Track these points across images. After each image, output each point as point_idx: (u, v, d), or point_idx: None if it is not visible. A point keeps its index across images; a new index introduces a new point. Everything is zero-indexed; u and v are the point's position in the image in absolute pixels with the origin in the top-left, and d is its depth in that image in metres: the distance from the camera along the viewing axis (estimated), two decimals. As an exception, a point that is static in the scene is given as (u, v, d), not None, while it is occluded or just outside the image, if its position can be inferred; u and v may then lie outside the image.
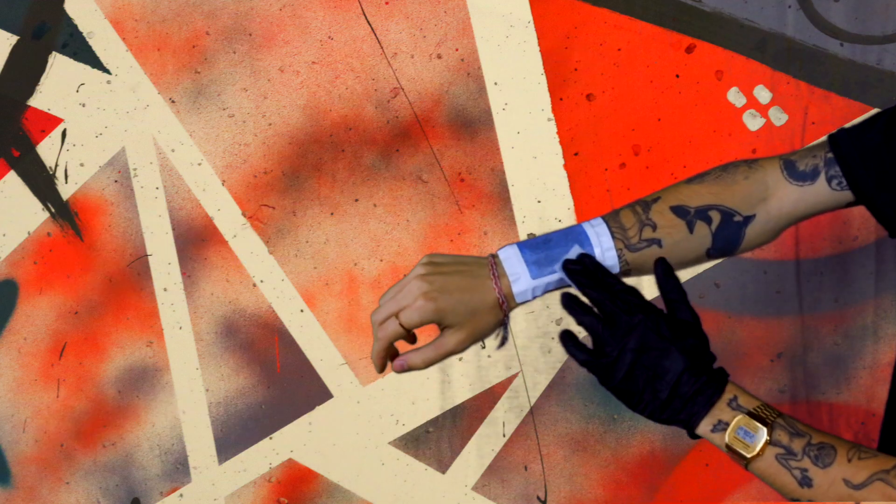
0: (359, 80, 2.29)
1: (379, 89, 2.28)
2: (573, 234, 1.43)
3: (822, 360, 2.19)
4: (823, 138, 1.53)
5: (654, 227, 1.50)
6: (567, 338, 1.41)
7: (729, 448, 1.32)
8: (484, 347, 2.30)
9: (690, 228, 1.50)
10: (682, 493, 2.27)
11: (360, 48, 2.28)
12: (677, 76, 2.19)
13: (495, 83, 2.24)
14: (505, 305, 1.44)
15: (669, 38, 2.17)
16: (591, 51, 2.20)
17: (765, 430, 1.31)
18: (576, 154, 2.23)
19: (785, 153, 1.54)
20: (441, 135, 2.27)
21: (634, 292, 1.39)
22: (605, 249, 1.44)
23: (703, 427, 1.35)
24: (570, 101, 2.22)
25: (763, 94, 2.17)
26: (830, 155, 1.51)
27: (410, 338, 1.47)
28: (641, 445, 2.28)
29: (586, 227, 1.44)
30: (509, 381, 2.30)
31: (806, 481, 1.30)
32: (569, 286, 1.44)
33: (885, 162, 1.47)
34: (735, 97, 2.18)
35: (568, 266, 1.41)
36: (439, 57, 2.25)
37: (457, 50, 2.24)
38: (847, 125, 1.53)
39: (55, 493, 2.49)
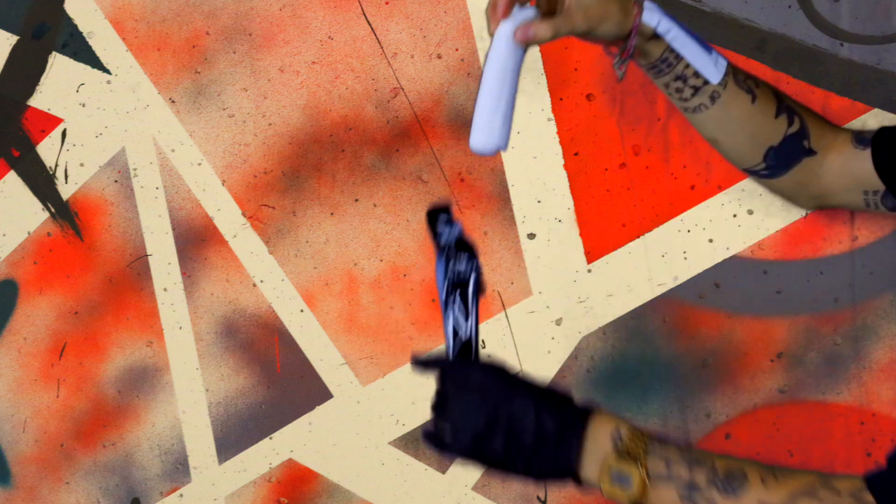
0: (359, 80, 2.29)
1: (379, 89, 2.28)
2: (701, 38, 1.44)
3: (822, 360, 2.19)
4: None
5: (756, 84, 1.49)
6: (425, 437, 1.32)
7: (611, 497, 1.20)
8: (484, 347, 2.30)
9: (776, 113, 1.49)
10: (682, 493, 2.27)
11: (360, 48, 2.28)
12: (677, 76, 2.19)
13: (495, 83, 2.24)
14: (637, 7, 1.38)
15: (669, 38, 2.17)
16: (591, 51, 2.20)
17: (637, 471, 1.18)
18: (576, 154, 2.23)
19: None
20: (441, 135, 2.27)
21: (469, 364, 1.30)
22: (720, 57, 1.43)
23: (589, 470, 1.21)
24: (570, 101, 2.22)
25: (763, 94, 2.17)
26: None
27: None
28: (641, 445, 2.28)
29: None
30: (509, 381, 2.30)
31: None
32: (689, 43, 1.43)
33: None
34: (735, 97, 2.18)
35: (415, 362, 1.36)
36: (439, 57, 2.25)
37: (457, 50, 2.24)
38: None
39: (55, 493, 2.49)
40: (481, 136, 1.36)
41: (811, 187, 1.59)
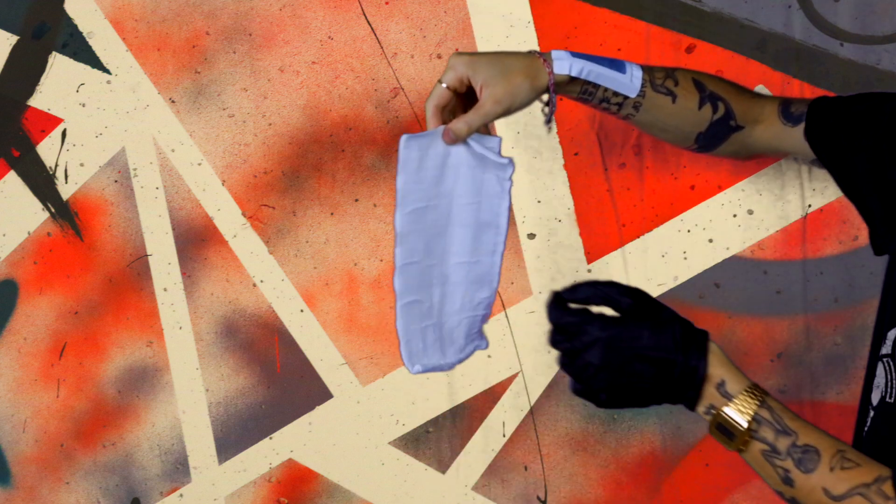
0: (359, 80, 2.29)
1: (379, 89, 2.28)
2: (614, 60, 1.55)
3: (822, 360, 2.20)
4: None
5: (676, 83, 1.61)
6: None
7: (715, 437, 1.34)
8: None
9: (700, 104, 1.62)
10: (682, 493, 2.28)
11: (360, 48, 2.28)
12: (677, 76, 2.20)
13: (495, 83, 2.24)
14: (547, 66, 1.50)
15: (669, 38, 2.17)
16: (591, 51, 2.20)
17: (743, 428, 1.31)
18: (576, 154, 2.23)
19: (787, 97, 1.66)
20: (441, 135, 2.27)
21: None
22: (634, 71, 1.55)
23: (700, 407, 1.34)
24: (571, 100, 2.22)
25: (763, 94, 2.17)
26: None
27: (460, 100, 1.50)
28: (641, 445, 2.28)
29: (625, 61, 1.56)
30: (509, 381, 2.30)
31: (788, 481, 1.31)
32: (603, 72, 1.54)
33: (845, 138, 1.58)
34: (735, 97, 2.18)
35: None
36: (439, 57, 2.25)
37: (457, 50, 2.24)
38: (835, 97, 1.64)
39: (55, 493, 2.49)
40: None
41: (743, 152, 1.73)
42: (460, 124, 1.47)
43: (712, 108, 1.63)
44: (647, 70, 1.59)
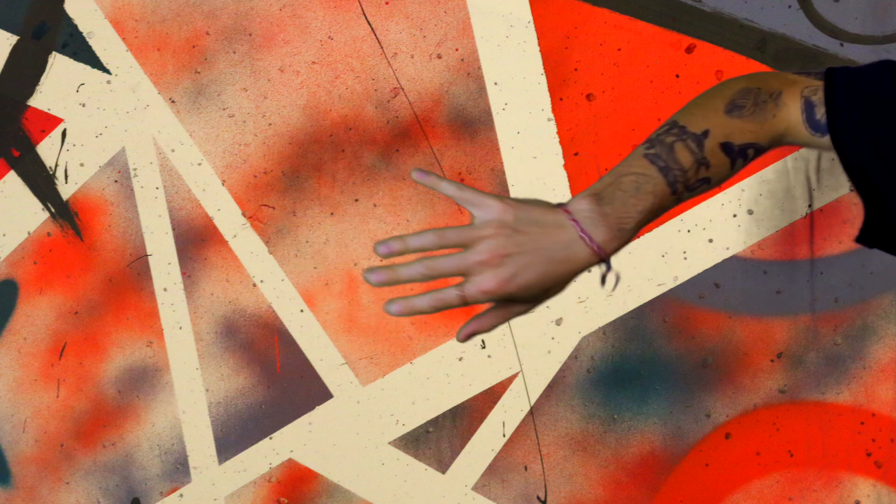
0: (359, 80, 2.29)
1: (379, 89, 2.28)
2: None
3: (822, 360, 2.20)
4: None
5: (708, 167, 1.51)
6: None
7: None
8: (484, 347, 2.30)
9: (732, 166, 1.53)
10: (682, 493, 2.28)
11: (360, 48, 2.28)
12: (677, 76, 2.20)
13: (495, 83, 2.24)
14: (601, 252, 1.41)
15: (669, 38, 2.17)
16: (591, 51, 2.21)
17: None
18: (576, 154, 2.23)
19: (808, 82, 1.52)
20: (441, 135, 2.27)
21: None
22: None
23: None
24: (570, 101, 2.22)
25: (763, 94, 2.17)
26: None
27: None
28: (641, 445, 2.28)
29: None
30: (509, 381, 2.30)
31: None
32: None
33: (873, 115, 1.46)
34: (735, 97, 2.18)
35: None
36: (439, 57, 2.25)
37: (457, 50, 2.25)
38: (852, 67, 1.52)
39: (55, 493, 2.49)
40: None
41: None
42: (485, 326, 1.36)
43: (744, 160, 1.54)
44: (679, 171, 1.50)
